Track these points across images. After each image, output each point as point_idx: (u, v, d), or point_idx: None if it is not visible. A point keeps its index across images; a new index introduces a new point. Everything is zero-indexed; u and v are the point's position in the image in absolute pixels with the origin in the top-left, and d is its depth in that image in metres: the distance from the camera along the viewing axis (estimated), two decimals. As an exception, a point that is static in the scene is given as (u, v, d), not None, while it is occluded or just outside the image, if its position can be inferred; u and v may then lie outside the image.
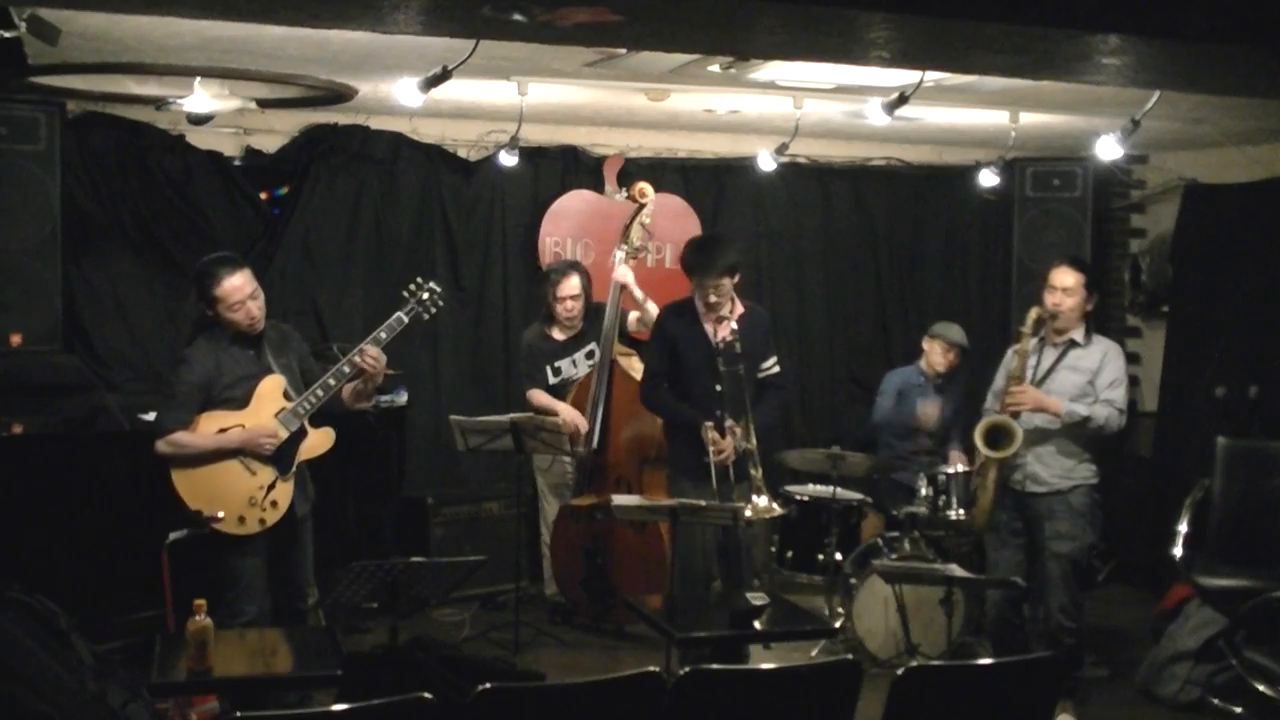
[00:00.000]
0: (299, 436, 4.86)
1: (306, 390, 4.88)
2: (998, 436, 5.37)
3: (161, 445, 4.73)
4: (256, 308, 4.80)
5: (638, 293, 6.36)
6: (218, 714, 4.82)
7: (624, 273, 6.38)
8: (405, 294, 5.17)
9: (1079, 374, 5.40)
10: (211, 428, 4.76)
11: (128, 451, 5.77)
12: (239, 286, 4.75)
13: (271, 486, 4.79)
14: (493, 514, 6.94)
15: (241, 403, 4.79)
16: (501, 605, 6.65)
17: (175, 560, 5.05)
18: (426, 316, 5.20)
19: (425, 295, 5.13)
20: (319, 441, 4.92)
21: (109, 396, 6.15)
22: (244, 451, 4.75)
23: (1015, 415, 5.35)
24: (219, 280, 4.74)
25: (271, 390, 4.84)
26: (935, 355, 6.76)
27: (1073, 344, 5.45)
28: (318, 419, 4.92)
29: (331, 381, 4.86)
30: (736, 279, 5.28)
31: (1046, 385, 5.40)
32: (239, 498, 4.75)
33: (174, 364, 5.18)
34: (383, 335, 4.98)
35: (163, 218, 6.69)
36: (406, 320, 5.08)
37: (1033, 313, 5.44)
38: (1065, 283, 5.40)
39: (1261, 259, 7.12)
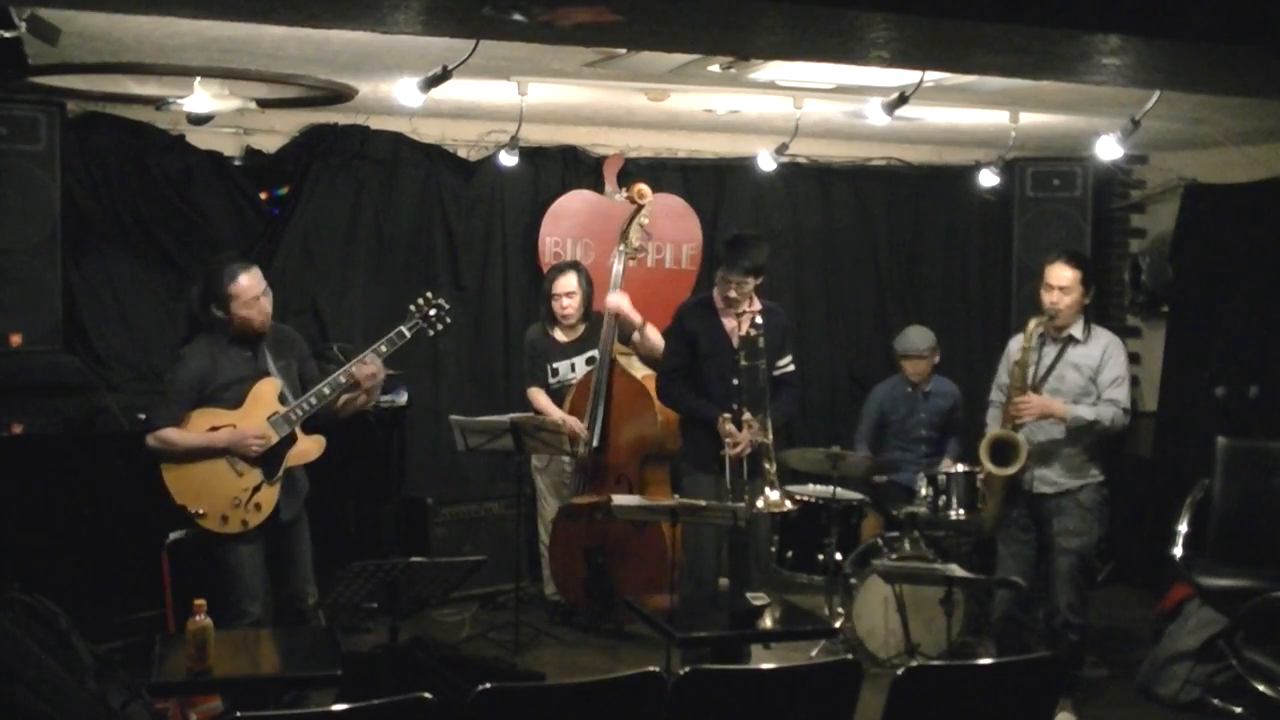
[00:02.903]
0: (289, 442, 4.85)
1: (303, 395, 4.88)
2: (1002, 451, 5.34)
3: (150, 441, 4.79)
4: (268, 304, 4.86)
5: (635, 317, 6.29)
6: (219, 714, 4.82)
7: (617, 299, 6.31)
8: (411, 308, 5.14)
9: (1080, 373, 5.37)
10: (203, 425, 4.79)
11: (128, 451, 5.74)
12: (254, 284, 4.80)
13: (257, 489, 4.79)
14: (493, 514, 6.94)
15: (235, 403, 4.81)
16: (501, 605, 6.65)
17: (175, 560, 5.07)
18: (432, 333, 5.17)
19: (432, 311, 5.11)
20: (309, 448, 4.91)
21: (109, 396, 6.14)
22: (231, 451, 4.76)
23: (1018, 427, 5.32)
24: (235, 278, 4.78)
25: (267, 393, 4.85)
26: (910, 370, 6.87)
27: (1072, 340, 5.40)
28: (311, 426, 4.91)
29: (326, 390, 4.87)
30: (759, 282, 5.40)
31: (1048, 384, 5.37)
32: (223, 497, 4.76)
33: (171, 362, 5.22)
34: (383, 349, 4.96)
35: (163, 218, 6.69)
36: (409, 335, 5.05)
37: (1032, 325, 5.38)
38: (1062, 280, 5.35)
39: (1261, 259, 7.11)
